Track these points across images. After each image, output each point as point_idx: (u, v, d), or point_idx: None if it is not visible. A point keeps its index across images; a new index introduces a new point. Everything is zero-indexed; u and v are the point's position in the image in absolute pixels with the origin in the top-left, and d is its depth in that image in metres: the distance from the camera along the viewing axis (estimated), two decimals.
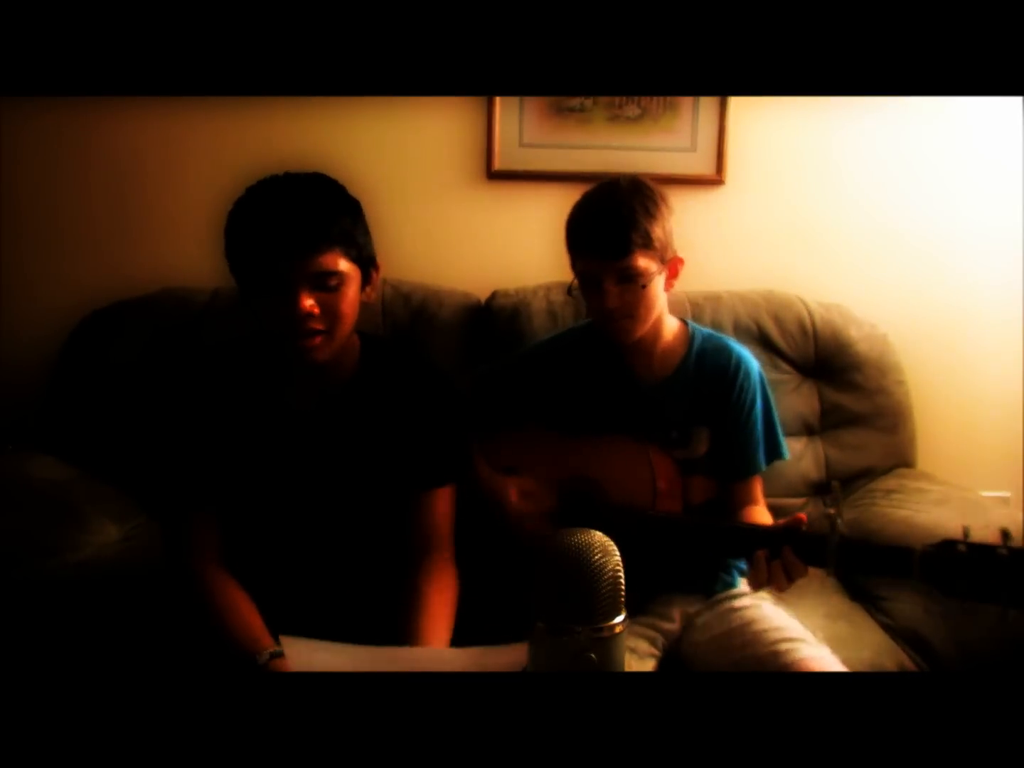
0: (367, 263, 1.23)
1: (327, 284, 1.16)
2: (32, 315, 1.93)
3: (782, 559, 1.15)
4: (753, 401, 1.40)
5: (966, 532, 1.04)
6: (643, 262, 1.29)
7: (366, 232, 1.23)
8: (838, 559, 1.11)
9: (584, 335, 1.48)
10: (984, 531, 1.45)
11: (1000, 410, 2.03)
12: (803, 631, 1.29)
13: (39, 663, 1.24)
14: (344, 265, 1.17)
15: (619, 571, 0.85)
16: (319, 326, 1.16)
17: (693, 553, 1.36)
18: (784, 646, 1.24)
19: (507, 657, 0.92)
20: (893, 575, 1.11)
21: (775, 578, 1.16)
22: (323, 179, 1.21)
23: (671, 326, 1.43)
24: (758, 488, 1.43)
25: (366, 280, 1.23)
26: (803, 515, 1.19)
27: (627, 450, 1.37)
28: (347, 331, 1.22)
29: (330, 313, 1.17)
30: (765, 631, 1.28)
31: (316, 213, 1.15)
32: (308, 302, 1.14)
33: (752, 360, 1.43)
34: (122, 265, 1.96)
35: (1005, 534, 1.01)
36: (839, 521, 1.11)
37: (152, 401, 1.69)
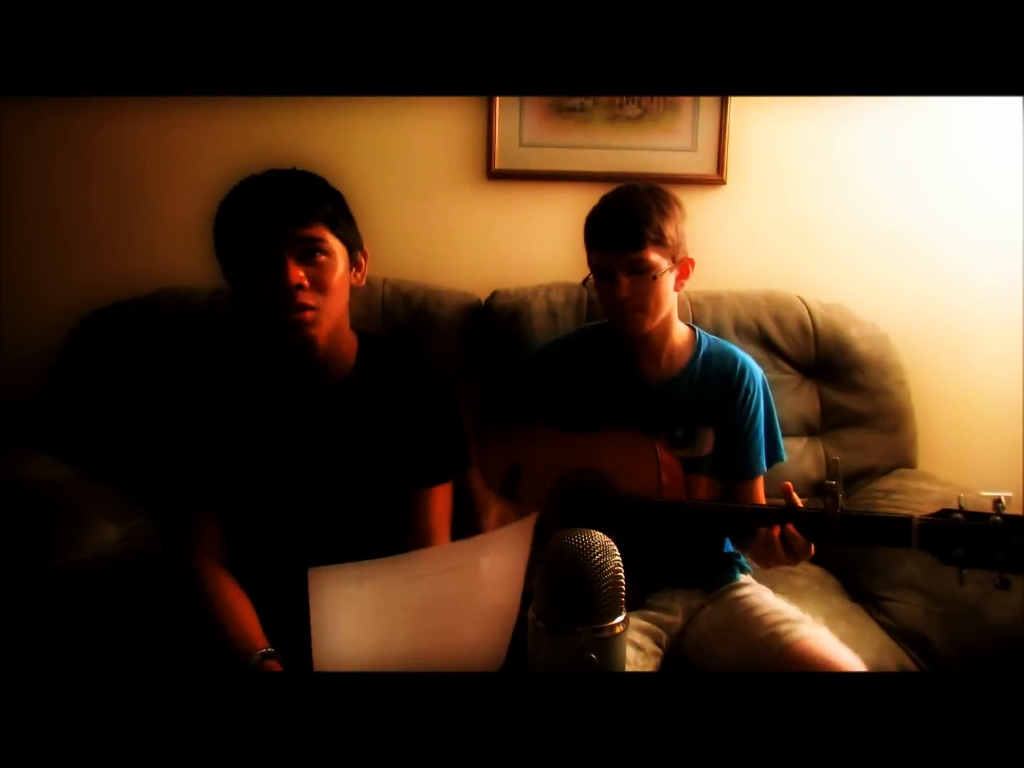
0: (353, 246, 1.26)
1: (314, 256, 1.19)
2: (32, 315, 1.93)
3: (785, 535, 1.19)
4: (757, 406, 1.43)
5: (961, 501, 1.11)
6: (654, 256, 1.35)
7: (349, 217, 1.27)
8: (839, 532, 1.16)
9: (593, 334, 1.53)
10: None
11: (1000, 410, 2.03)
12: (803, 615, 1.33)
13: (39, 663, 1.24)
14: (330, 238, 1.21)
15: (619, 571, 0.85)
16: (309, 300, 1.18)
17: (698, 534, 1.41)
18: (783, 627, 1.28)
19: (514, 535, 0.92)
20: (892, 544, 1.16)
21: (778, 554, 1.20)
22: (303, 171, 1.25)
23: (680, 330, 1.47)
24: (760, 489, 1.46)
25: (353, 262, 1.27)
26: (788, 484, 1.23)
27: (633, 443, 1.39)
28: (338, 309, 1.24)
29: (319, 286, 1.19)
30: (766, 615, 1.33)
31: (299, 191, 1.21)
32: (297, 274, 1.17)
33: (756, 366, 1.47)
34: (122, 265, 1.96)
35: (997, 502, 1.07)
36: (840, 495, 1.16)
37: (152, 401, 1.70)
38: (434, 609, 0.93)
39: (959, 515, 1.10)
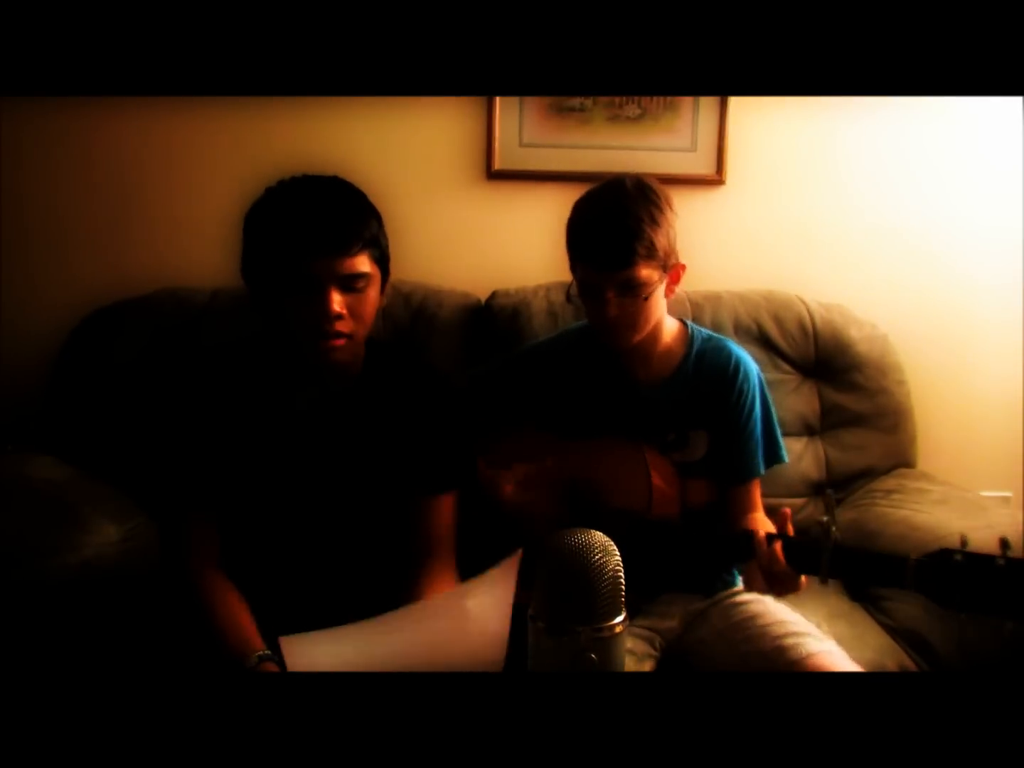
0: (387, 267, 1.25)
1: (355, 286, 1.18)
2: (32, 315, 1.93)
3: (776, 568, 1.13)
4: (752, 403, 1.39)
5: (964, 541, 1.01)
6: (645, 272, 1.27)
7: (386, 237, 1.25)
8: (831, 567, 1.09)
9: (581, 336, 1.47)
10: (985, 531, 1.45)
11: (1000, 410, 2.03)
12: (808, 625, 1.28)
13: (39, 663, 1.24)
14: (371, 268, 1.19)
15: (619, 571, 0.85)
16: (345, 329, 1.17)
17: (687, 558, 1.34)
18: (790, 640, 1.22)
19: (492, 585, 0.91)
20: (887, 584, 1.10)
21: (765, 583, 1.14)
22: (346, 183, 1.22)
23: (670, 328, 1.42)
24: (757, 493, 1.42)
25: (383, 285, 1.25)
26: (787, 510, 1.18)
27: (623, 452, 1.36)
28: (366, 334, 1.24)
29: (356, 316, 1.19)
30: (770, 625, 1.27)
31: (349, 214, 1.18)
32: (338, 303, 1.16)
33: (751, 362, 1.42)
34: (122, 265, 1.96)
35: (1004, 543, 0.97)
36: (833, 529, 1.09)
37: (153, 401, 1.69)
38: (419, 650, 0.91)
39: (958, 556, 1.00)
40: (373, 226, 1.21)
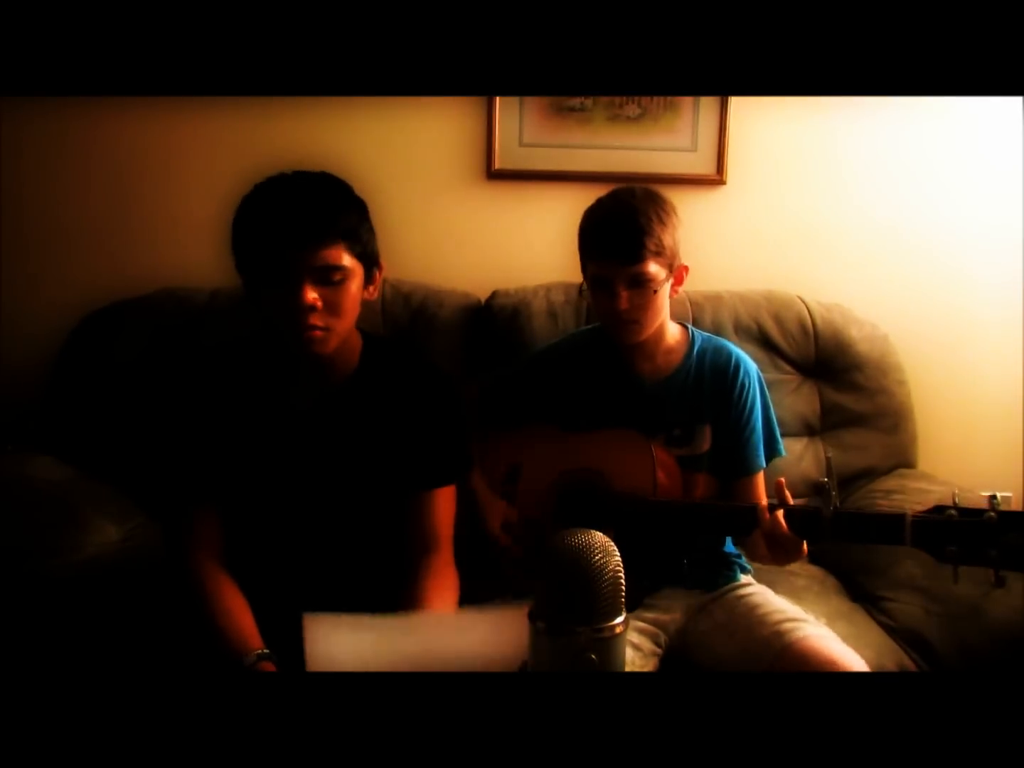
0: (370, 261, 1.24)
1: (330, 278, 1.17)
2: (32, 315, 1.93)
3: (779, 534, 1.20)
4: (753, 400, 1.43)
5: (955, 498, 1.11)
6: (654, 268, 1.34)
7: (371, 230, 1.25)
8: (831, 529, 1.17)
9: (590, 338, 1.52)
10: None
11: (1000, 410, 2.03)
12: (807, 615, 1.33)
13: (40, 662, 1.24)
14: (348, 260, 1.19)
15: (619, 571, 0.85)
16: (319, 322, 1.17)
17: (692, 533, 1.40)
18: (787, 626, 1.28)
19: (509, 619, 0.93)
20: (886, 542, 1.16)
21: (770, 552, 1.22)
22: (330, 177, 1.22)
23: (673, 330, 1.47)
24: (761, 487, 1.45)
25: (368, 278, 1.25)
26: (782, 479, 1.26)
27: (630, 442, 1.40)
28: (348, 327, 1.23)
29: (332, 308, 1.18)
30: (768, 613, 1.33)
31: (322, 207, 1.17)
32: (311, 295, 1.15)
33: (750, 362, 1.47)
34: (122, 265, 1.96)
35: (992, 498, 1.07)
36: (833, 492, 1.17)
37: (153, 401, 1.70)
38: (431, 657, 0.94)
39: (953, 512, 1.10)
40: (352, 219, 1.20)
